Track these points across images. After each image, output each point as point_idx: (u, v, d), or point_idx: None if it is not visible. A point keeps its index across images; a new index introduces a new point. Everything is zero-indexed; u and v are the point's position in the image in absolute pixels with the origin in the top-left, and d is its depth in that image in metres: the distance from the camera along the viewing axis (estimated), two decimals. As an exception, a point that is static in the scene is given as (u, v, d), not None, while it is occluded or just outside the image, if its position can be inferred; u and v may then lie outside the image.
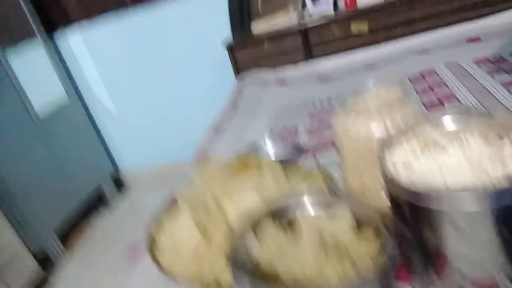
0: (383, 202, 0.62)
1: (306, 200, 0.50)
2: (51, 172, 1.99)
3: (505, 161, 0.46)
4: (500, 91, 1.03)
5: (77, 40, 2.24)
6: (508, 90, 1.02)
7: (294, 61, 1.74)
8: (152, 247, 0.68)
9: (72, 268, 1.87)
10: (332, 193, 0.73)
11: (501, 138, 0.50)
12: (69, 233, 2.08)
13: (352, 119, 0.59)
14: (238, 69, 1.84)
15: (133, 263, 0.73)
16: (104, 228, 2.12)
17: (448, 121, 0.53)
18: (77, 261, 1.91)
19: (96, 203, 2.29)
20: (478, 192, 0.44)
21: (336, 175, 0.85)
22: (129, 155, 2.51)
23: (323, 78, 1.62)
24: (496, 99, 1.00)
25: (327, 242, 0.45)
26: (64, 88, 2.18)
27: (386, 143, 0.53)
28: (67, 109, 2.16)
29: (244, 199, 0.63)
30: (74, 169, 2.13)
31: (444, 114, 0.54)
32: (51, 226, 1.93)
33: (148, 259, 0.73)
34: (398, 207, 0.46)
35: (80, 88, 2.34)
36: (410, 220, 0.46)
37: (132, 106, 2.35)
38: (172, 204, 0.78)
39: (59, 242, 1.95)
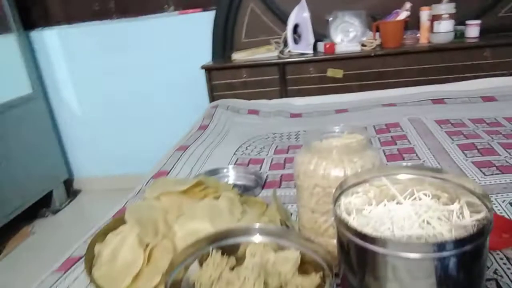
0: (330, 240, 0.62)
1: (256, 228, 0.49)
2: (0, 165, 1.88)
3: (452, 223, 0.48)
4: (456, 152, 1.09)
5: (54, 40, 2.19)
6: (464, 152, 1.07)
7: (269, 93, 1.78)
8: (89, 258, 0.64)
9: (1, 272, 1.73)
10: (284, 225, 0.73)
11: (452, 201, 0.52)
12: (8, 234, 1.93)
13: (313, 157, 0.60)
14: (213, 94, 1.84)
15: (63, 272, 0.68)
16: (46, 237, 1.99)
17: (405, 176, 0.55)
18: (8, 266, 1.77)
19: (43, 208, 2.16)
20: (421, 241, 0.46)
21: (292, 210, 0.86)
22: (86, 161, 2.41)
23: (295, 115, 1.65)
24: (452, 159, 1.05)
25: (268, 271, 0.44)
26: (31, 83, 2.10)
27: (343, 187, 0.54)
28: (29, 104, 2.07)
29: (195, 228, 0.61)
30: (25, 167, 2.01)
31: (403, 168, 0.56)
32: (-11, 225, 1.79)
33: (79, 270, 0.69)
34: (346, 250, 0.46)
35: (47, 86, 2.26)
36: (356, 264, 0.46)
37: (98, 112, 2.28)
38: (120, 216, 0.74)
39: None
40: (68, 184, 2.38)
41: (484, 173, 0.94)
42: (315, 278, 0.42)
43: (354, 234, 0.44)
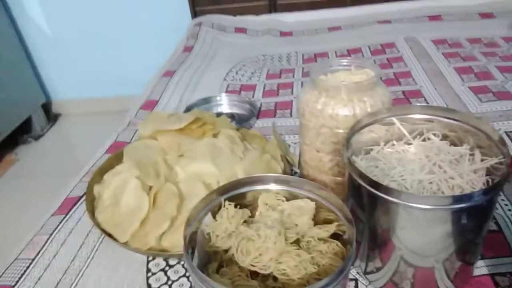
0: (335, 178, 0.62)
1: (269, 179, 0.47)
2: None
3: (463, 167, 0.48)
4: (453, 76, 1.07)
5: None
6: (461, 77, 1.06)
7: (257, 8, 1.65)
8: (89, 200, 0.63)
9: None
10: (284, 160, 0.72)
11: (461, 142, 0.51)
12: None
13: (320, 96, 0.57)
14: (195, 9, 1.70)
15: (64, 215, 0.68)
16: (31, 163, 1.96)
17: (415, 117, 0.53)
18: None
19: (23, 135, 2.09)
20: (433, 186, 0.46)
21: (289, 142, 0.85)
22: (62, 83, 2.27)
23: (285, 34, 1.56)
24: (449, 84, 1.03)
25: (285, 223, 0.43)
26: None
27: (353, 129, 0.52)
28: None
29: (197, 168, 0.59)
30: (-2, 93, 1.90)
31: (412, 108, 0.54)
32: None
33: (80, 211, 0.68)
34: (356, 188, 0.46)
35: (9, 3, 2.02)
36: (366, 204, 0.46)
37: (70, 31, 2.08)
38: (114, 154, 0.72)
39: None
40: (47, 108, 2.28)
41: (480, 100, 0.93)
42: (330, 228, 0.42)
43: (367, 183, 0.43)
